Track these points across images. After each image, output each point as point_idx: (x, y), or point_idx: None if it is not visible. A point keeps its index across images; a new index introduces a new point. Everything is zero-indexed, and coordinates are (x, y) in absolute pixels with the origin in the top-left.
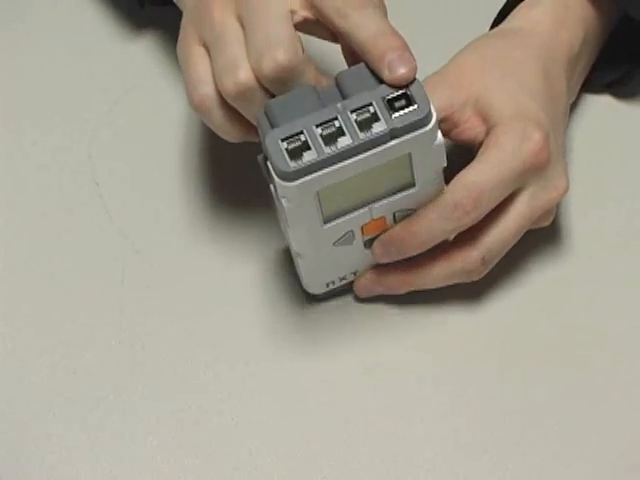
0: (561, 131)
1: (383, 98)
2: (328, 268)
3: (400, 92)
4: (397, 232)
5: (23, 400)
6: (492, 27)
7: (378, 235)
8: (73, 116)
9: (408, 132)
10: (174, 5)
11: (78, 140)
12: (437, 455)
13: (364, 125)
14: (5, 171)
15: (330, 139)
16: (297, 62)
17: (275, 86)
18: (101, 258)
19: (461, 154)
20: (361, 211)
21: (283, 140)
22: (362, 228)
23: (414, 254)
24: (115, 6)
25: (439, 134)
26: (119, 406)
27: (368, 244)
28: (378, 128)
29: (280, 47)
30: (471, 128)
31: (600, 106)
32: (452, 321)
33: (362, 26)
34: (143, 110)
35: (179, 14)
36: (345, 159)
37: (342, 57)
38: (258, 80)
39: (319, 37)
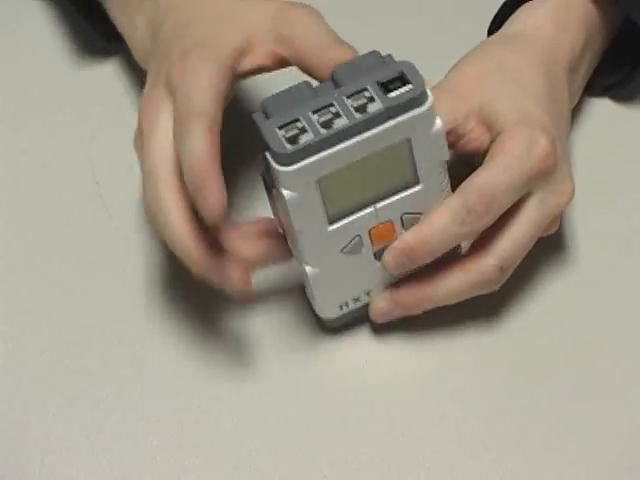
0: (565, 135)
1: (378, 82)
2: (339, 285)
3: (395, 75)
4: (408, 239)
5: (23, 400)
6: (489, 32)
7: (388, 246)
8: (73, 116)
9: (404, 111)
10: None
11: (78, 140)
12: (437, 454)
13: (360, 108)
14: (5, 171)
15: (327, 124)
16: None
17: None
18: (101, 258)
19: (463, 162)
20: (366, 211)
21: (280, 128)
22: (370, 233)
23: (427, 262)
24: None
25: (438, 120)
26: (119, 406)
27: (379, 255)
28: (374, 108)
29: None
30: (476, 138)
31: (600, 109)
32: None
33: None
34: None
35: None
36: (343, 141)
37: None
38: None
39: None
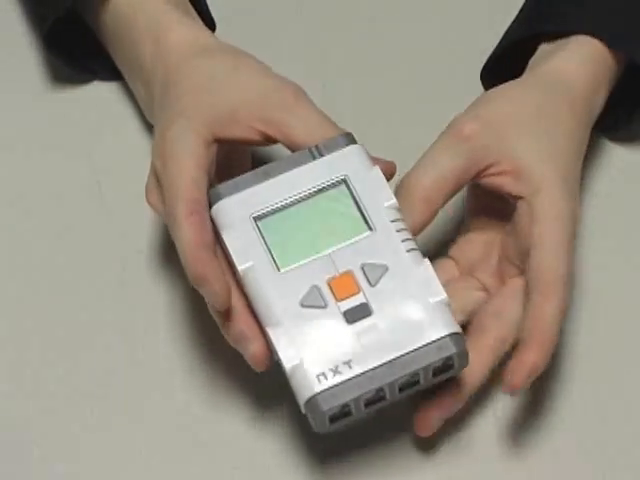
0: (578, 188)
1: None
2: (310, 349)
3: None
4: (527, 354)
5: (23, 400)
6: (486, 65)
7: (355, 304)
8: (73, 116)
9: (330, 151)
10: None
11: (78, 140)
12: None
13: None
14: (5, 171)
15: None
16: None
17: None
18: (101, 258)
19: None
20: (319, 256)
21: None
22: (330, 285)
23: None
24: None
25: (375, 167)
26: (119, 406)
27: (350, 318)
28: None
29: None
30: (501, 180)
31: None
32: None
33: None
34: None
35: None
36: (272, 176)
37: None
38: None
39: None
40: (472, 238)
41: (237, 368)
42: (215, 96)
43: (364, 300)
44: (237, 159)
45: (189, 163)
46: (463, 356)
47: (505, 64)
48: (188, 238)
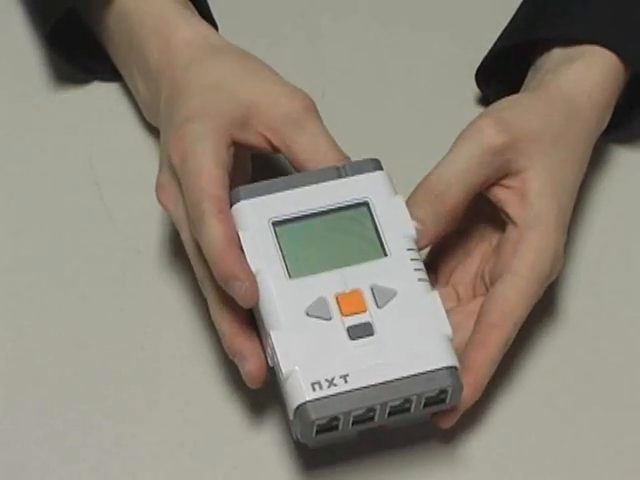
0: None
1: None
2: (309, 357)
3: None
4: (467, 397)
5: (23, 400)
6: (481, 65)
7: (360, 322)
8: (73, 116)
9: (356, 173)
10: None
11: (78, 140)
12: None
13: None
14: (5, 171)
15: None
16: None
17: None
18: (101, 258)
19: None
20: (332, 273)
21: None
22: (337, 299)
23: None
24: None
25: (398, 195)
26: (119, 406)
27: (353, 334)
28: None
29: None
30: (507, 192)
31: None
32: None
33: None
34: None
35: None
36: (293, 187)
37: None
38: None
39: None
40: (454, 242)
41: (238, 368)
42: (230, 97)
43: (369, 319)
44: (238, 165)
45: (212, 163)
46: (457, 391)
47: (501, 65)
48: (218, 236)
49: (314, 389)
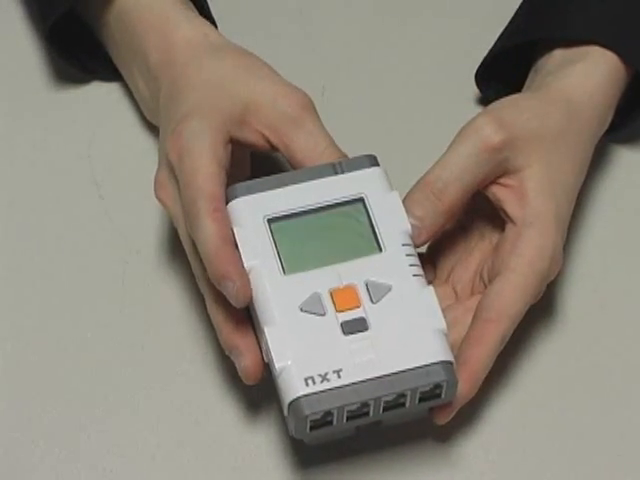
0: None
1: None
2: (302, 352)
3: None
4: (464, 390)
5: (23, 400)
6: (481, 66)
7: (354, 317)
8: (73, 116)
9: (353, 169)
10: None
11: (78, 140)
12: None
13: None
14: (5, 171)
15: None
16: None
17: None
18: (101, 258)
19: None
20: (326, 269)
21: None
22: (332, 295)
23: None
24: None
25: (394, 191)
26: (119, 406)
27: (346, 329)
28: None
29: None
30: (505, 191)
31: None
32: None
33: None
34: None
35: None
36: (289, 184)
37: None
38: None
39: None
40: (454, 241)
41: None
42: (228, 95)
43: (363, 315)
44: (236, 163)
45: (209, 160)
46: (452, 385)
47: (500, 65)
48: (212, 234)
49: (307, 384)
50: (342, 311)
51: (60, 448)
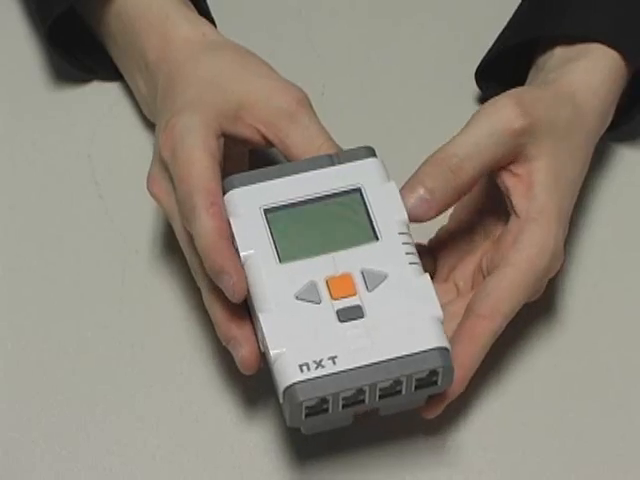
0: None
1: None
2: (297, 338)
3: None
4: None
5: (23, 400)
6: (481, 63)
7: (349, 305)
8: (73, 116)
9: (350, 160)
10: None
11: (78, 140)
12: None
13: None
14: (5, 171)
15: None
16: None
17: None
18: (101, 258)
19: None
20: (322, 257)
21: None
22: (327, 283)
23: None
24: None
25: (391, 181)
26: (119, 406)
27: (342, 317)
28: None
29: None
30: (515, 180)
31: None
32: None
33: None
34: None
35: None
36: (287, 175)
37: None
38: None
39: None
40: (458, 239)
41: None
42: (222, 91)
43: (359, 303)
44: (234, 160)
45: (202, 153)
46: (448, 372)
47: (501, 64)
48: (209, 229)
49: (302, 370)
50: (338, 299)
51: (60, 448)
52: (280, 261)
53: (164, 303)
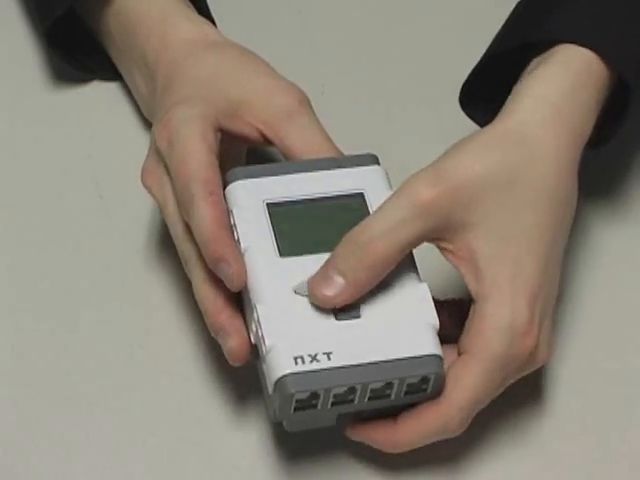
0: (557, 278)
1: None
2: (293, 331)
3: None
4: (377, 432)
5: (23, 400)
6: (464, 86)
7: (345, 305)
8: (73, 116)
9: (355, 165)
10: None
11: (78, 140)
12: None
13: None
14: (5, 171)
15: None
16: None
17: None
18: (101, 257)
19: None
20: (323, 256)
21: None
22: None
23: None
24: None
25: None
26: (119, 406)
27: (339, 314)
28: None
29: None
30: (459, 263)
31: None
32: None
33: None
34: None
35: None
36: (290, 172)
37: None
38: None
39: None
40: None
41: (238, 368)
42: (221, 89)
43: (356, 302)
44: (231, 158)
45: (199, 145)
46: (439, 380)
47: (486, 85)
48: (208, 218)
49: (296, 363)
50: None
51: (60, 448)
52: (280, 255)
53: (164, 303)
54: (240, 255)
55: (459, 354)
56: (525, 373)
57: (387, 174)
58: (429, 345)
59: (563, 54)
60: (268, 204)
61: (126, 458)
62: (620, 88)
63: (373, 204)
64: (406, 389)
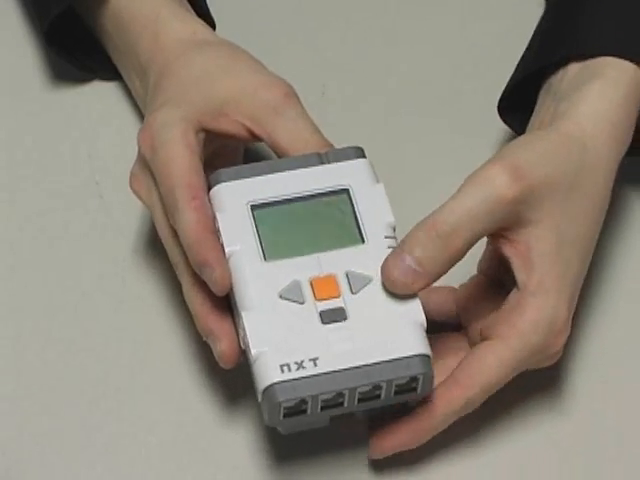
0: (579, 286)
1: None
2: (279, 338)
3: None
4: (400, 432)
5: (23, 400)
6: (501, 100)
7: (333, 307)
8: (73, 116)
9: (338, 160)
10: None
11: (78, 140)
12: None
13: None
14: (5, 171)
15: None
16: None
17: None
18: (101, 257)
19: None
20: (308, 257)
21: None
22: (311, 284)
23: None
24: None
25: (379, 183)
26: (119, 406)
27: (325, 319)
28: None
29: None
30: (512, 250)
31: None
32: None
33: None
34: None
35: None
36: (275, 172)
37: None
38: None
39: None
40: (480, 291)
41: (238, 368)
42: (205, 88)
43: (342, 305)
44: (227, 156)
45: (181, 149)
46: (428, 379)
47: (522, 95)
48: (191, 222)
49: (282, 371)
50: (321, 300)
51: (60, 448)
52: (265, 259)
53: (164, 303)
54: (224, 259)
55: (484, 337)
56: (540, 367)
57: (372, 166)
58: (417, 345)
59: (613, 69)
60: (252, 206)
61: (126, 459)
62: None
63: (359, 199)
64: (395, 389)
